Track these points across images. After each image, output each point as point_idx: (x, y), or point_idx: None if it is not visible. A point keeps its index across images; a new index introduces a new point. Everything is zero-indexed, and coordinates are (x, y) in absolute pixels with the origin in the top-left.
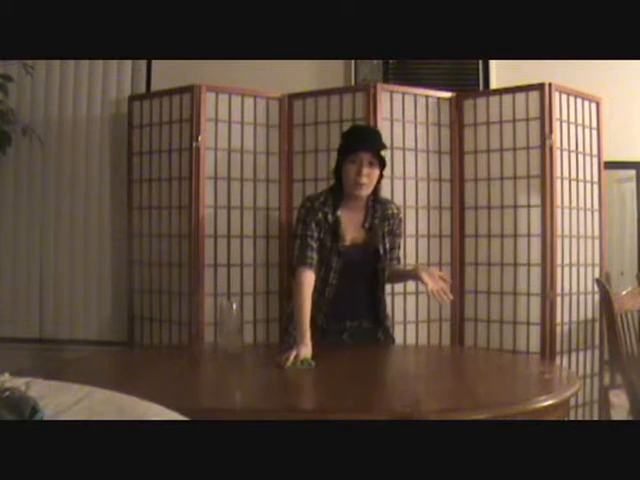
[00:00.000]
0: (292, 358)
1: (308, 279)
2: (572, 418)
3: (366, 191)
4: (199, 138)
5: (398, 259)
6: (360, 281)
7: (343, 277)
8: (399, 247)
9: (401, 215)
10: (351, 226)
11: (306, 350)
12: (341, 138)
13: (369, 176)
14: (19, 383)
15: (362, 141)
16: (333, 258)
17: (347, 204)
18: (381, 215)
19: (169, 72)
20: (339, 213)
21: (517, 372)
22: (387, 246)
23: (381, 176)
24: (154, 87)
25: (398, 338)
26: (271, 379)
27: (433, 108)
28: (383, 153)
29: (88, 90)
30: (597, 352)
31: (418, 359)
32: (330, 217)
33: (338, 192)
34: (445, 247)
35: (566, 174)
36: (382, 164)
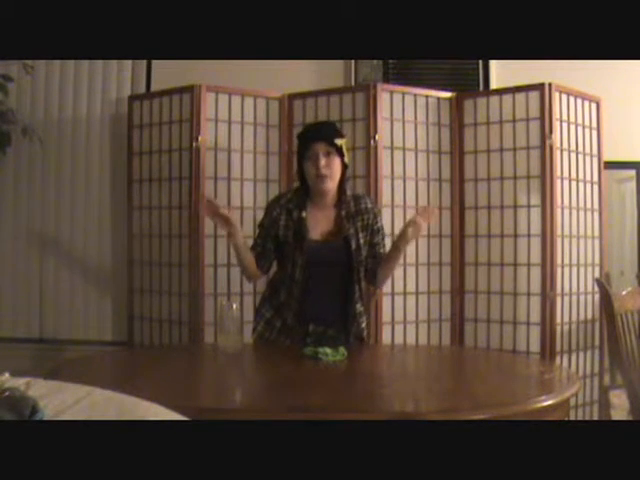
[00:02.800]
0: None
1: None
2: (572, 418)
3: (330, 183)
4: (199, 138)
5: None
6: (330, 281)
7: (311, 275)
8: (384, 244)
9: (377, 209)
10: (319, 223)
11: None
12: (297, 138)
13: (329, 166)
14: (19, 383)
15: (314, 133)
16: (297, 254)
17: (315, 202)
18: (353, 210)
19: (169, 72)
20: (304, 214)
21: (517, 372)
22: (361, 242)
23: (344, 167)
24: (154, 87)
25: (398, 338)
26: (271, 379)
27: (433, 108)
28: (339, 142)
29: (88, 90)
30: (597, 352)
31: (418, 359)
32: (295, 214)
33: (304, 194)
34: (445, 247)
35: (566, 174)
36: (341, 153)
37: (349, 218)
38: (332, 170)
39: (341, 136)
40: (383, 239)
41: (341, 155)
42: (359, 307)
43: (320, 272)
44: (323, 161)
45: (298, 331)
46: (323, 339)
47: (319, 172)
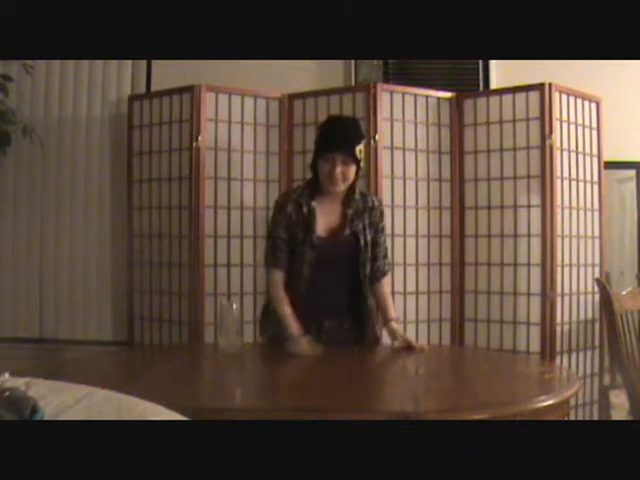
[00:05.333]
0: (304, 348)
1: (280, 279)
2: (572, 418)
3: (341, 187)
4: (199, 138)
5: (385, 257)
6: (339, 276)
7: (319, 271)
8: (385, 246)
9: (383, 207)
10: (327, 218)
11: (305, 340)
12: (317, 130)
13: (343, 174)
14: (19, 383)
15: (336, 141)
16: (306, 250)
17: (324, 197)
18: (361, 207)
19: (169, 72)
20: (314, 204)
21: (517, 372)
22: (368, 238)
23: (358, 170)
24: (154, 87)
25: None
26: (271, 379)
27: (433, 108)
28: (358, 149)
29: (88, 90)
30: (597, 352)
31: (418, 359)
32: (305, 209)
33: (314, 185)
34: (445, 247)
35: (566, 174)
36: (357, 159)
37: (358, 215)
38: (346, 177)
39: (361, 139)
40: (384, 240)
41: (357, 161)
42: (370, 302)
43: (328, 268)
44: (339, 169)
45: (311, 327)
46: (339, 333)
47: (333, 178)
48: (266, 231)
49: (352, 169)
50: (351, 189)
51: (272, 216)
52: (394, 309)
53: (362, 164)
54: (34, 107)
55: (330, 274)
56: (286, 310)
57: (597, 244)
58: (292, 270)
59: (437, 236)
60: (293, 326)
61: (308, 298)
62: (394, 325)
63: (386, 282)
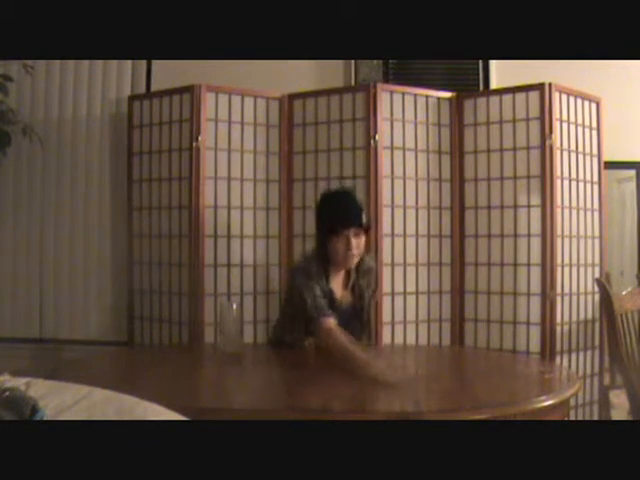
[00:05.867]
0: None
1: (334, 325)
2: (572, 418)
3: (356, 260)
4: (199, 138)
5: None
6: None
7: None
8: (372, 298)
9: (375, 266)
10: (338, 288)
11: (386, 368)
12: (320, 207)
13: (358, 247)
14: (19, 383)
15: (345, 216)
16: None
17: (334, 268)
18: (362, 272)
19: (169, 72)
20: (331, 284)
21: (517, 372)
22: (366, 302)
23: (368, 237)
24: (154, 87)
25: (398, 338)
26: (271, 379)
27: (433, 108)
28: (364, 219)
29: (88, 90)
30: (597, 352)
31: (418, 359)
32: (323, 285)
33: (325, 259)
34: (445, 247)
35: (566, 174)
36: (367, 230)
37: (361, 276)
38: (360, 249)
39: (362, 211)
40: (372, 294)
41: (366, 230)
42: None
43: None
44: (354, 242)
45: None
46: None
47: (350, 253)
48: (297, 293)
49: (363, 240)
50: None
51: (299, 284)
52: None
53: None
54: (34, 107)
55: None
56: (361, 357)
57: (597, 244)
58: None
59: (437, 236)
60: (375, 367)
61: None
62: None
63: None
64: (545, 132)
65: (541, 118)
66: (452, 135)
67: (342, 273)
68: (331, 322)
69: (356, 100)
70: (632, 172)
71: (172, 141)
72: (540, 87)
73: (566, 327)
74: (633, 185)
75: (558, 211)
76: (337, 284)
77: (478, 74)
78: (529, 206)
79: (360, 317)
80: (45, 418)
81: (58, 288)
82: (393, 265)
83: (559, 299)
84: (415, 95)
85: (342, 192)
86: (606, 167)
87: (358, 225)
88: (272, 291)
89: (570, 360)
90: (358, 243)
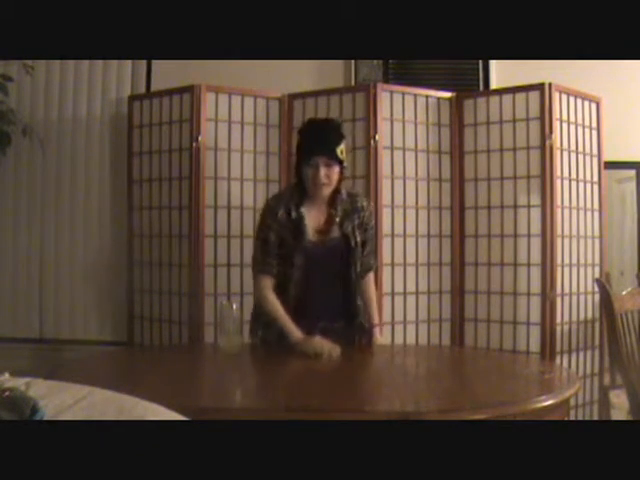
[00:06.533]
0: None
1: (270, 284)
2: (572, 418)
3: (327, 190)
4: (199, 138)
5: (370, 253)
6: (330, 278)
7: (309, 274)
8: (372, 243)
9: (372, 208)
10: (315, 221)
11: (307, 340)
12: (298, 135)
13: (328, 177)
14: (19, 383)
15: (317, 145)
16: (296, 255)
17: (311, 200)
18: (350, 208)
19: (169, 72)
20: (303, 210)
21: (517, 372)
22: (358, 239)
23: (342, 170)
24: (154, 87)
25: (398, 338)
26: (270, 379)
27: (433, 108)
28: (340, 150)
29: (88, 90)
30: (597, 352)
31: (418, 359)
32: (294, 214)
33: (301, 189)
34: (445, 247)
35: (566, 174)
36: (340, 160)
37: (347, 216)
38: (331, 179)
39: (342, 140)
40: (372, 238)
41: (340, 162)
42: (359, 301)
43: (319, 271)
44: (323, 171)
45: (303, 330)
46: (330, 333)
47: (318, 182)
48: (254, 233)
49: (335, 170)
50: (336, 190)
51: (261, 219)
52: (377, 314)
53: (345, 164)
54: (34, 107)
55: (321, 276)
56: (283, 314)
57: (597, 244)
58: (281, 275)
59: (437, 236)
60: (294, 329)
61: (300, 301)
62: (376, 333)
63: (371, 280)
64: (545, 132)
65: (541, 118)
66: (452, 135)
67: (323, 207)
68: (267, 282)
69: (356, 100)
70: (632, 172)
71: (172, 141)
72: (540, 87)
73: (566, 327)
74: (633, 185)
75: (558, 211)
76: (315, 215)
77: (478, 74)
78: (529, 206)
79: (349, 256)
80: (45, 418)
81: (58, 288)
82: (393, 265)
83: (559, 299)
84: (415, 95)
85: (321, 121)
86: (606, 167)
87: (329, 156)
88: None
89: (570, 360)
90: (328, 172)
